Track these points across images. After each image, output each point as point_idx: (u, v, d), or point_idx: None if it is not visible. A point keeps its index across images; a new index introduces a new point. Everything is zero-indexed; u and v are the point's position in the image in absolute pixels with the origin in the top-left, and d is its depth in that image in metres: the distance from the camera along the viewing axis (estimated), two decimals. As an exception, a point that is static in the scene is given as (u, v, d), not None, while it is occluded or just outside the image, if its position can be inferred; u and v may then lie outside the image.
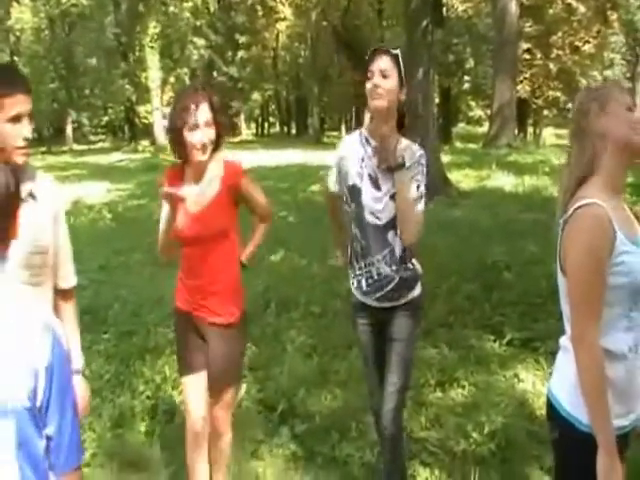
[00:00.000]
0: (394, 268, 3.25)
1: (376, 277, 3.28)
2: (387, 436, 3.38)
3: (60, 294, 2.73)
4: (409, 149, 3.18)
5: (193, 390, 3.45)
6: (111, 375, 5.39)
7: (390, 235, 3.21)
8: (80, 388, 2.64)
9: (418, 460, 4.06)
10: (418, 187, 3.18)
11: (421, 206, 3.21)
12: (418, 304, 3.41)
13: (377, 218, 3.22)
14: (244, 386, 5.01)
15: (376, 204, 3.21)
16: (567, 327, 2.36)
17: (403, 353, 3.33)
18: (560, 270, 2.36)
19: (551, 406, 2.42)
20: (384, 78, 3.11)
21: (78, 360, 2.77)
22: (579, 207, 2.26)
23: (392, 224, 3.19)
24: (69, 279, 2.77)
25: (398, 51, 3.17)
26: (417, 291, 3.38)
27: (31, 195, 2.47)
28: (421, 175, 3.19)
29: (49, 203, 2.58)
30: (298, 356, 5.68)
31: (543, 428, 3.95)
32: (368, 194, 3.22)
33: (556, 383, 2.43)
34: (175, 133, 3.20)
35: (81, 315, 6.55)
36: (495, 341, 5.80)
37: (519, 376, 5.16)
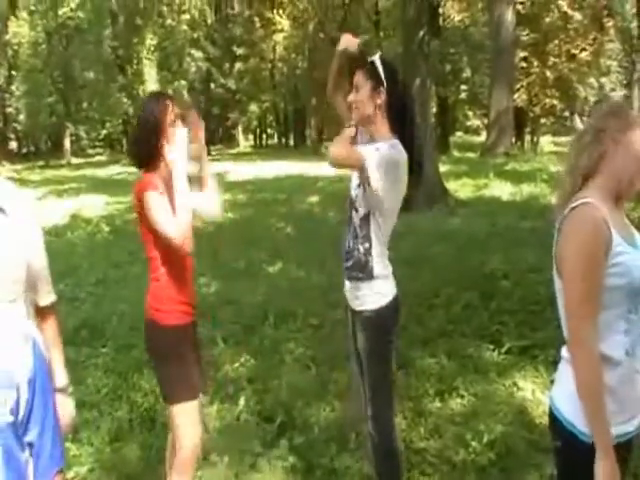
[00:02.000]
0: (352, 245, 3.28)
1: (346, 248, 3.33)
2: (371, 440, 3.38)
3: (39, 311, 2.64)
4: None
5: (196, 413, 3.33)
6: (109, 389, 5.38)
7: (360, 210, 3.25)
8: (65, 406, 2.57)
9: (417, 471, 4.03)
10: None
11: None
12: (376, 323, 3.28)
13: (352, 197, 3.33)
14: (242, 398, 5.01)
15: (356, 189, 3.31)
16: (565, 332, 2.35)
17: (366, 366, 3.32)
18: (556, 272, 2.37)
19: (553, 416, 2.41)
20: (356, 92, 3.27)
21: (62, 378, 2.70)
22: (575, 207, 2.27)
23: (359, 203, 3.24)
24: (47, 296, 2.68)
25: (375, 57, 3.26)
26: (374, 305, 3.27)
27: (0, 210, 2.39)
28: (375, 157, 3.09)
29: (20, 217, 2.49)
30: (296, 368, 5.67)
31: (543, 436, 3.96)
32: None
33: (558, 393, 2.43)
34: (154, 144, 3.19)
35: (79, 329, 6.69)
36: (494, 350, 5.78)
37: (518, 385, 5.14)
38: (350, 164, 3.14)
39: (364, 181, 3.14)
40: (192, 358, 3.34)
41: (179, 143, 3.15)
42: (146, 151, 3.20)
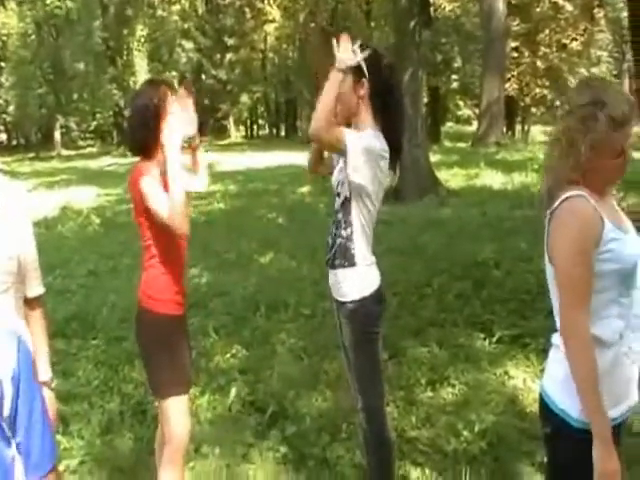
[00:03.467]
0: (335, 232, 3.23)
1: (329, 236, 3.29)
2: (362, 432, 3.37)
3: (27, 303, 2.64)
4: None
5: (186, 405, 3.31)
6: (100, 381, 5.35)
7: (342, 194, 3.21)
8: (48, 400, 2.51)
9: (409, 460, 4.03)
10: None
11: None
12: (360, 314, 3.21)
13: (335, 184, 3.30)
14: (234, 389, 5.00)
15: (338, 174, 3.28)
16: (557, 321, 2.34)
17: (352, 358, 3.29)
18: (548, 261, 2.37)
19: (543, 403, 2.41)
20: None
21: (46, 371, 2.68)
22: (566, 199, 2.27)
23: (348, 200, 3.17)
24: (36, 287, 2.67)
25: (355, 47, 3.13)
26: (357, 295, 3.20)
27: None
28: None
29: (13, 209, 2.50)
30: (288, 358, 5.66)
31: (534, 424, 3.96)
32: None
33: (548, 380, 2.43)
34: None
35: (69, 321, 6.66)
36: (485, 339, 5.79)
37: (509, 373, 5.14)
38: (330, 141, 3.08)
39: (343, 160, 3.11)
40: (184, 350, 3.32)
41: (174, 118, 3.12)
42: (145, 138, 3.16)
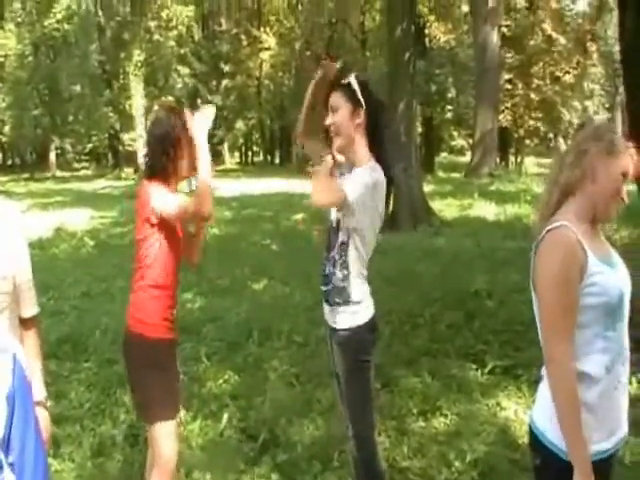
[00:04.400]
0: (331, 270, 3.25)
1: (324, 271, 3.31)
2: (353, 460, 3.37)
3: (22, 323, 2.62)
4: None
5: (175, 428, 3.31)
6: (91, 404, 5.34)
7: (339, 236, 3.22)
8: (42, 420, 2.51)
9: (400, 490, 4.04)
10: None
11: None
12: (352, 341, 3.24)
13: (332, 222, 3.31)
14: (225, 415, 4.99)
15: (334, 215, 3.29)
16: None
17: (344, 387, 3.31)
18: (534, 293, 2.43)
19: (533, 435, 2.43)
20: (333, 114, 3.23)
21: (40, 391, 2.64)
22: (549, 230, 2.32)
23: (338, 229, 3.22)
24: (30, 308, 2.65)
25: (351, 78, 3.22)
26: (351, 323, 3.23)
27: None
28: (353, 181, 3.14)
29: (8, 229, 2.50)
30: (280, 385, 5.65)
31: (525, 456, 3.97)
32: None
33: (538, 412, 2.46)
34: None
35: (61, 343, 6.65)
36: (477, 369, 5.80)
37: (501, 404, 5.15)
38: (332, 203, 3.14)
39: (345, 212, 3.14)
40: (174, 374, 3.34)
41: (203, 119, 3.21)
42: (164, 166, 3.23)
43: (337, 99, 3.23)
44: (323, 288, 3.31)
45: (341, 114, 3.21)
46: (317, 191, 3.07)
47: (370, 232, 3.20)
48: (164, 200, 3.12)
